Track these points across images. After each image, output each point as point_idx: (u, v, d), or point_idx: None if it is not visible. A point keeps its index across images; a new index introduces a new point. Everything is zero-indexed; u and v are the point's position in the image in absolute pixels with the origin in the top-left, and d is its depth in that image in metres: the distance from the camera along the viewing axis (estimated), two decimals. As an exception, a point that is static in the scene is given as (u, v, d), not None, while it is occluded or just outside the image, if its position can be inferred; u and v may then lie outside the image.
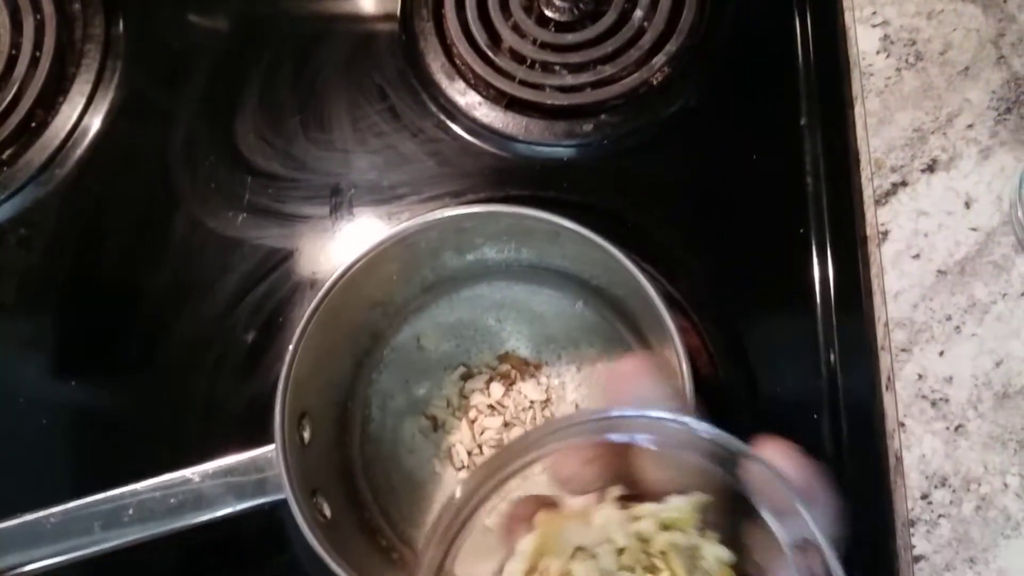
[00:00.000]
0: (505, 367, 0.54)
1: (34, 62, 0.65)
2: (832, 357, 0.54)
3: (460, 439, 0.52)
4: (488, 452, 0.52)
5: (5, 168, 0.63)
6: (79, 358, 0.59)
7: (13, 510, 0.45)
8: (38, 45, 0.66)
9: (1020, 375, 0.51)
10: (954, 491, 0.49)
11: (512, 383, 0.53)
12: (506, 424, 0.52)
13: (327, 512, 0.45)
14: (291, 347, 0.45)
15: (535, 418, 0.52)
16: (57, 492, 0.46)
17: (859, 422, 0.52)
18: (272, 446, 0.44)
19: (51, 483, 0.55)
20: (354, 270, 0.47)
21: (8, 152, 0.64)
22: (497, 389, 0.53)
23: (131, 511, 0.43)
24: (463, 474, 0.52)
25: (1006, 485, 0.49)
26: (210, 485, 0.43)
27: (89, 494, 0.46)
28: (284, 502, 0.43)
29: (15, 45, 0.66)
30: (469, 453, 0.52)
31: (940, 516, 0.49)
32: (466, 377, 0.54)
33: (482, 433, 0.53)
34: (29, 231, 0.62)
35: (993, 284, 0.53)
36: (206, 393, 0.57)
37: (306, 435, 0.47)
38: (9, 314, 0.60)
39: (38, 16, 0.66)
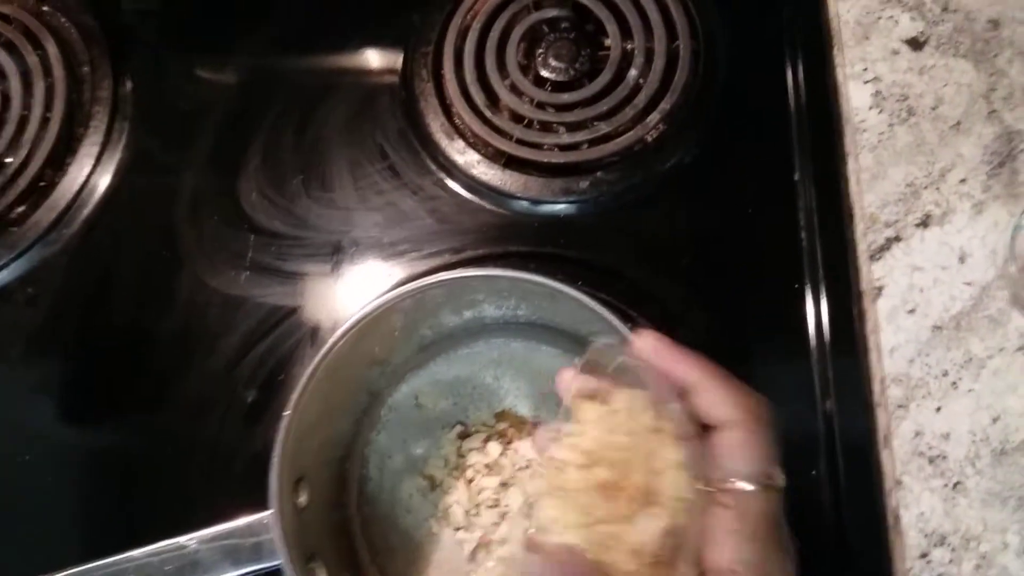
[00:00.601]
0: (502, 426, 0.54)
1: (44, 124, 0.67)
2: (829, 411, 0.54)
3: (457, 499, 0.53)
4: (485, 512, 0.52)
5: (14, 228, 0.64)
6: (84, 417, 0.60)
7: (16, 574, 0.45)
8: (48, 107, 0.67)
9: (1018, 431, 0.51)
10: (953, 550, 0.49)
11: (509, 442, 0.54)
12: (503, 484, 0.53)
13: (323, 577, 0.46)
14: (286, 413, 0.45)
15: (535, 481, 0.52)
16: (58, 555, 0.47)
17: (857, 479, 0.52)
18: (269, 512, 0.44)
19: (51, 546, 0.56)
20: (353, 331, 0.48)
21: (17, 212, 0.65)
22: (494, 448, 0.53)
23: (129, 577, 0.43)
24: (461, 534, 0.52)
25: (1006, 544, 0.49)
26: (206, 551, 0.44)
27: (90, 556, 0.46)
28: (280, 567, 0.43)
29: (26, 106, 0.68)
30: (466, 513, 0.52)
31: (940, 575, 0.49)
32: (463, 436, 0.54)
33: (479, 493, 0.53)
34: (36, 290, 0.63)
35: (989, 339, 0.53)
36: (209, 451, 0.57)
37: (303, 499, 0.47)
38: (16, 373, 0.61)
39: (49, 79, 0.68)
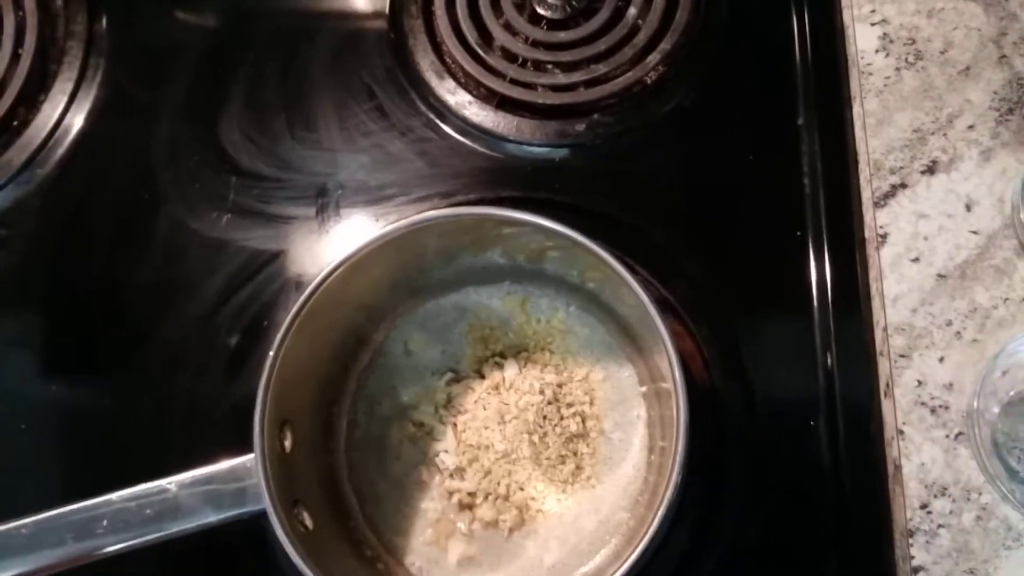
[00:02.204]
0: (493, 373, 0.53)
1: (15, 59, 0.64)
2: (830, 362, 0.52)
3: (446, 446, 0.51)
4: (474, 460, 0.51)
5: (-15, 167, 0.62)
6: (59, 361, 0.58)
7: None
8: (19, 42, 0.64)
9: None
10: (954, 501, 0.48)
11: (498, 388, 0.52)
12: (486, 427, 0.51)
13: (308, 523, 0.44)
14: (271, 353, 0.43)
15: (521, 426, 0.50)
16: (33, 500, 0.45)
17: (857, 429, 0.51)
18: (252, 455, 0.42)
19: (28, 491, 0.54)
20: (338, 272, 0.46)
21: (-12, 150, 0.62)
22: (484, 395, 0.52)
23: (105, 522, 0.41)
24: (450, 482, 0.51)
25: (1007, 495, 0.48)
26: (187, 495, 0.42)
27: (67, 503, 0.44)
28: (264, 512, 0.42)
29: (-4, 42, 0.64)
30: (456, 460, 0.51)
31: (940, 526, 0.48)
32: (453, 383, 0.53)
33: (468, 440, 0.51)
34: (9, 232, 0.60)
35: (995, 288, 0.51)
36: (189, 397, 0.55)
37: (287, 443, 0.45)
38: (-13, 316, 0.59)
39: (19, 13, 0.65)
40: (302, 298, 0.45)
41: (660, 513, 0.41)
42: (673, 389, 0.43)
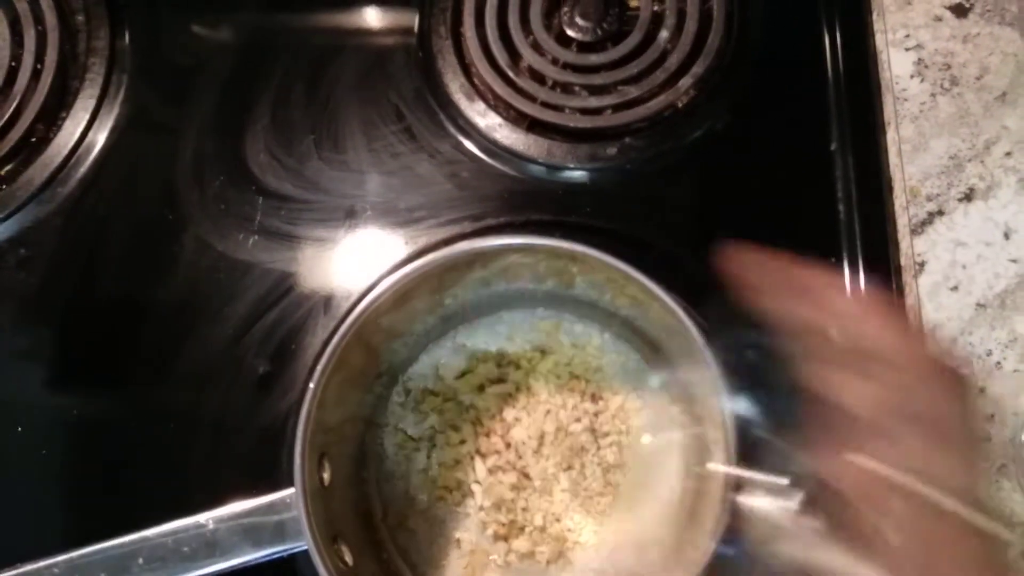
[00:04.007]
0: (528, 402, 0.52)
1: (35, 75, 0.63)
2: (866, 392, 0.52)
3: (480, 476, 0.50)
4: (510, 490, 0.50)
5: (4, 186, 0.60)
6: (81, 386, 0.57)
7: (14, 558, 0.42)
8: (40, 58, 0.63)
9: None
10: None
11: (533, 417, 0.51)
12: (520, 456, 0.50)
13: (348, 559, 0.43)
14: (311, 386, 0.43)
15: (558, 456, 0.50)
16: (59, 536, 0.44)
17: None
18: (291, 490, 0.41)
19: (52, 526, 0.52)
20: (378, 302, 0.45)
21: (7, 168, 0.61)
22: (519, 424, 0.51)
23: (141, 560, 0.40)
24: (483, 515, 0.50)
25: (1051, 530, 0.47)
26: (225, 531, 0.41)
27: (92, 538, 0.43)
28: (303, 550, 0.41)
29: (15, 57, 0.63)
30: (490, 490, 0.50)
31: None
32: (486, 411, 0.52)
33: (503, 470, 0.50)
34: (30, 252, 0.59)
35: (1034, 318, 0.51)
36: (214, 426, 0.54)
37: (326, 476, 0.45)
38: (8, 341, 0.58)
39: (40, 27, 0.64)
40: (342, 329, 0.44)
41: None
42: (719, 406, 0.43)
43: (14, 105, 0.62)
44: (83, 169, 0.61)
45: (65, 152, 0.61)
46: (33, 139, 0.62)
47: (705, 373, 0.43)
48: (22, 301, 0.58)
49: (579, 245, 0.46)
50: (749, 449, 0.43)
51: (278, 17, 0.65)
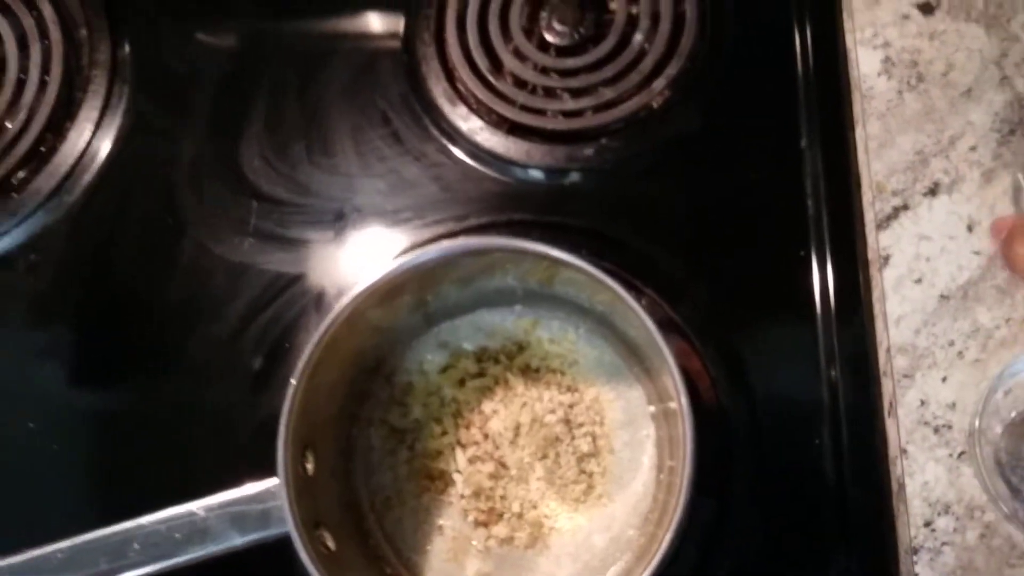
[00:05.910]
0: (506, 395, 0.54)
1: (42, 87, 0.66)
2: (834, 381, 0.54)
3: (460, 466, 0.53)
4: (488, 479, 0.53)
5: (15, 194, 0.64)
6: (87, 384, 0.60)
7: (21, 544, 0.45)
8: (45, 71, 0.66)
9: None
10: (958, 519, 0.49)
11: (510, 409, 0.54)
12: (497, 447, 0.53)
13: (331, 544, 0.46)
14: (293, 381, 0.45)
15: (534, 446, 0.52)
16: (64, 524, 0.47)
17: (861, 448, 0.52)
18: (276, 480, 0.44)
19: (58, 514, 0.55)
20: (359, 299, 0.47)
21: (18, 177, 0.64)
22: (497, 416, 0.53)
23: (137, 545, 0.43)
24: (464, 503, 0.53)
25: (1008, 513, 0.49)
26: (214, 519, 0.44)
27: (96, 525, 0.46)
28: (287, 535, 0.43)
29: (23, 70, 0.67)
30: (470, 479, 0.53)
31: (943, 544, 0.49)
32: (466, 404, 0.54)
33: (482, 460, 0.53)
34: (38, 257, 0.62)
35: (996, 309, 0.52)
36: (214, 420, 0.57)
37: (309, 467, 0.47)
38: (18, 341, 0.61)
39: (45, 42, 0.67)
40: (324, 325, 0.46)
41: (670, 533, 0.43)
42: (679, 411, 0.45)
43: (23, 117, 0.65)
44: (88, 177, 0.64)
45: (71, 161, 0.64)
46: (41, 149, 0.65)
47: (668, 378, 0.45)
48: (32, 303, 0.62)
49: (555, 249, 0.47)
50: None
51: (270, 25, 0.68)
